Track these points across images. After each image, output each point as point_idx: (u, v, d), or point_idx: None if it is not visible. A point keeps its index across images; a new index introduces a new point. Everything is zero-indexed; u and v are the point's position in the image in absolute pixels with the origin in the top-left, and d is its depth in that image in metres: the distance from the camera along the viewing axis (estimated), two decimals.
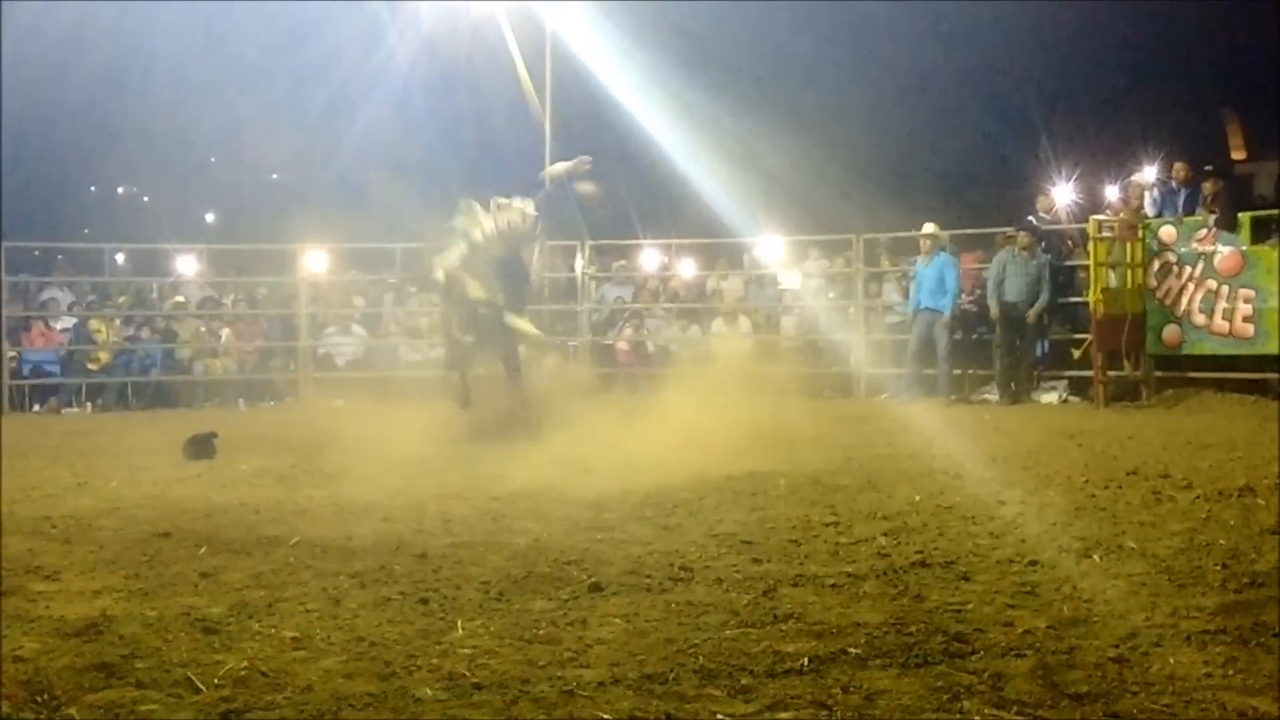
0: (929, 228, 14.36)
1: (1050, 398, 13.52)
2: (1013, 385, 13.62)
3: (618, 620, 4.37)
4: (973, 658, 3.87)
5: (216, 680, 3.70)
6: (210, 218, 39.49)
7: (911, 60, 28.22)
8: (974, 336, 14.56)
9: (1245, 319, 12.43)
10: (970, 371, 14.47)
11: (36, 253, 21.23)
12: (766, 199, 19.54)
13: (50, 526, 6.36)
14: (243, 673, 3.78)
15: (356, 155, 25.56)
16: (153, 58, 26.65)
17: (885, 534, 5.89)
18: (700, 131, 21.60)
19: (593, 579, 4.95)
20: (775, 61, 27.27)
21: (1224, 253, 12.55)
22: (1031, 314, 13.49)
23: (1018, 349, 13.68)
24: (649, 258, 18.09)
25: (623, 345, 16.71)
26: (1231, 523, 5.97)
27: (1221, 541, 5.52)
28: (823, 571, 5.10)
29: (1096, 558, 5.26)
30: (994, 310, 13.69)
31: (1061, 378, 13.80)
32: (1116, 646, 3.93)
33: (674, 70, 21.84)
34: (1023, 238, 13.75)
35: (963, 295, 14.50)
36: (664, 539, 5.87)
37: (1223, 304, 12.50)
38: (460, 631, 4.23)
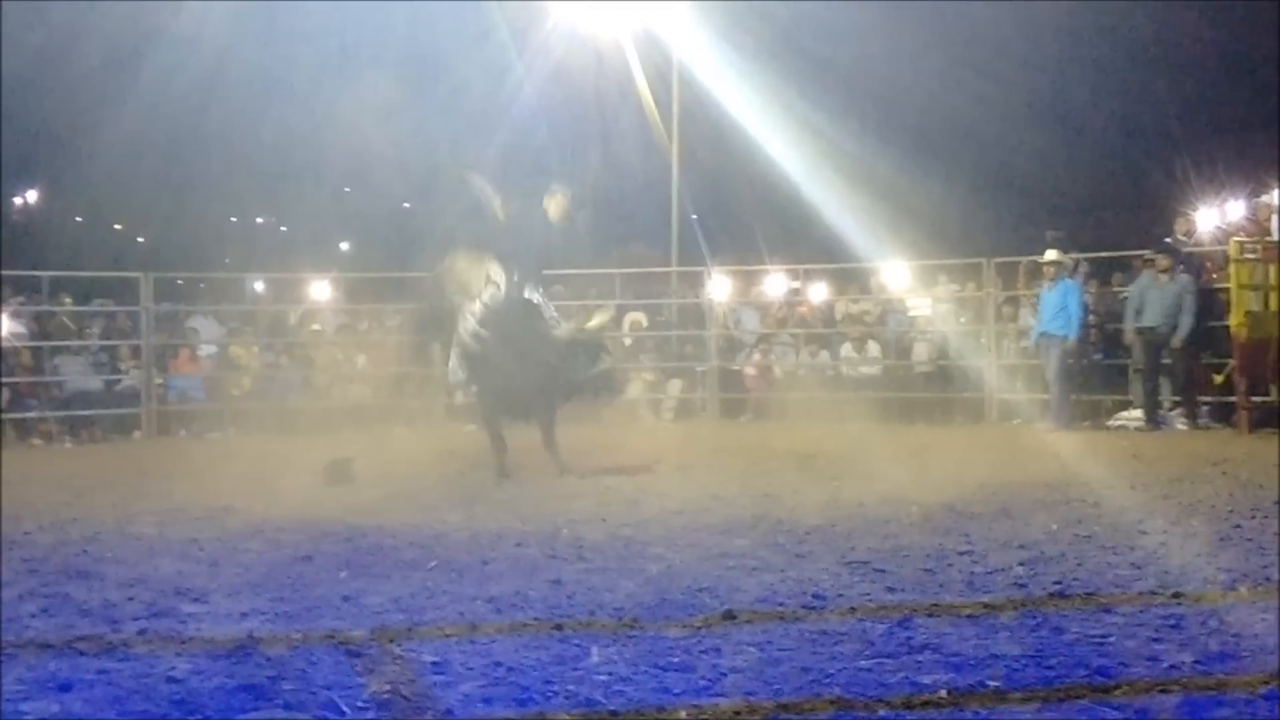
0: (1051, 254, 14.15)
1: (1181, 424, 13.22)
2: (1155, 411, 13.31)
3: (751, 648, 4.37)
4: (1116, 692, 3.78)
5: (360, 703, 3.78)
6: (345, 246, 40.42)
7: (1042, 81, 27.77)
8: (1106, 361, 14.30)
9: None
10: (1106, 398, 14.18)
11: (180, 282, 21.97)
12: (894, 223, 19.38)
13: (198, 549, 6.56)
14: (385, 695, 3.86)
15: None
16: (290, 92, 27.45)
17: (1022, 563, 5.79)
18: (825, 155, 21.56)
19: (725, 606, 4.96)
20: (902, 84, 27.05)
21: None
22: (1176, 340, 13.16)
23: (1159, 374, 13.38)
24: (775, 282, 18.07)
25: (750, 371, 16.69)
26: None
27: None
28: (958, 601, 5.03)
29: (1244, 590, 5.11)
30: (1128, 336, 13.43)
31: (1203, 403, 13.44)
32: (1268, 683, 3.82)
33: (799, 94, 21.83)
34: (1162, 260, 13.47)
35: (1090, 319, 14.24)
36: (796, 566, 5.84)
37: None
38: (595, 658, 4.27)
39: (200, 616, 4.97)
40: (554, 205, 9.79)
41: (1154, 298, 13.32)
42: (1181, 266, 13.60)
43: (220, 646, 4.45)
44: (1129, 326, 13.46)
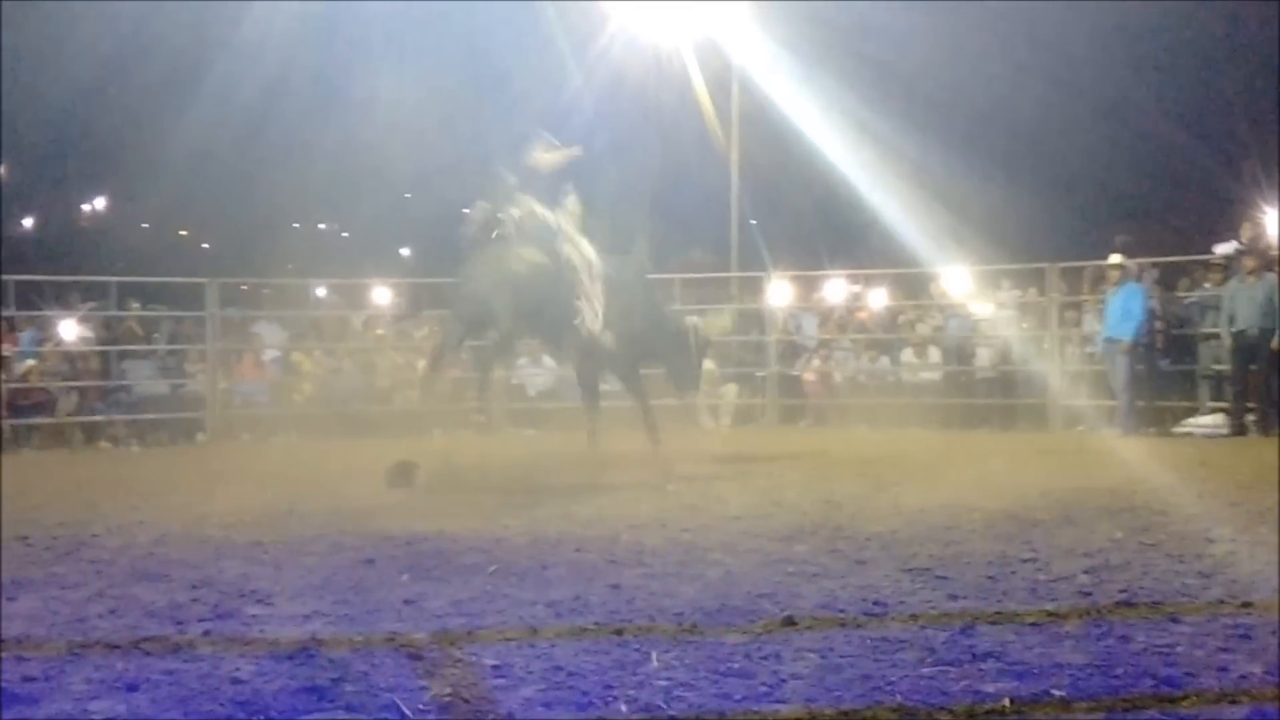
0: (1115, 257, 13.99)
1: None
2: (1242, 417, 13.12)
3: (812, 655, 4.35)
4: (1184, 703, 3.73)
5: (421, 705, 3.80)
6: (405, 252, 40.72)
7: (1106, 83, 27.45)
8: (1173, 367, 14.14)
9: None
10: (1173, 404, 14.01)
11: (244, 288, 22.22)
12: (955, 228, 19.25)
13: (263, 552, 6.63)
14: (446, 699, 3.88)
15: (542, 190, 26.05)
16: (351, 100, 27.72)
17: (1086, 571, 5.72)
18: (885, 160, 21.45)
19: (786, 612, 4.94)
20: (963, 88, 26.86)
21: None
22: (1276, 342, 12.92)
23: (1247, 379, 13.19)
24: (835, 288, 17.99)
25: (810, 377, 16.62)
26: None
27: None
28: (1022, 609, 4.98)
29: None
30: (1226, 341, 13.23)
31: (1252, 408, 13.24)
32: None
33: (858, 99, 21.73)
34: (1249, 261, 13.27)
35: (1156, 324, 14.08)
36: (857, 573, 5.81)
37: None
38: (655, 663, 4.26)
39: (264, 618, 5.02)
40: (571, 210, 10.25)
41: (1244, 299, 13.12)
42: (1269, 268, 13.39)
43: (284, 648, 4.49)
44: (1224, 330, 13.27)
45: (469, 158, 30.01)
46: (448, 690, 3.96)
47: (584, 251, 10.00)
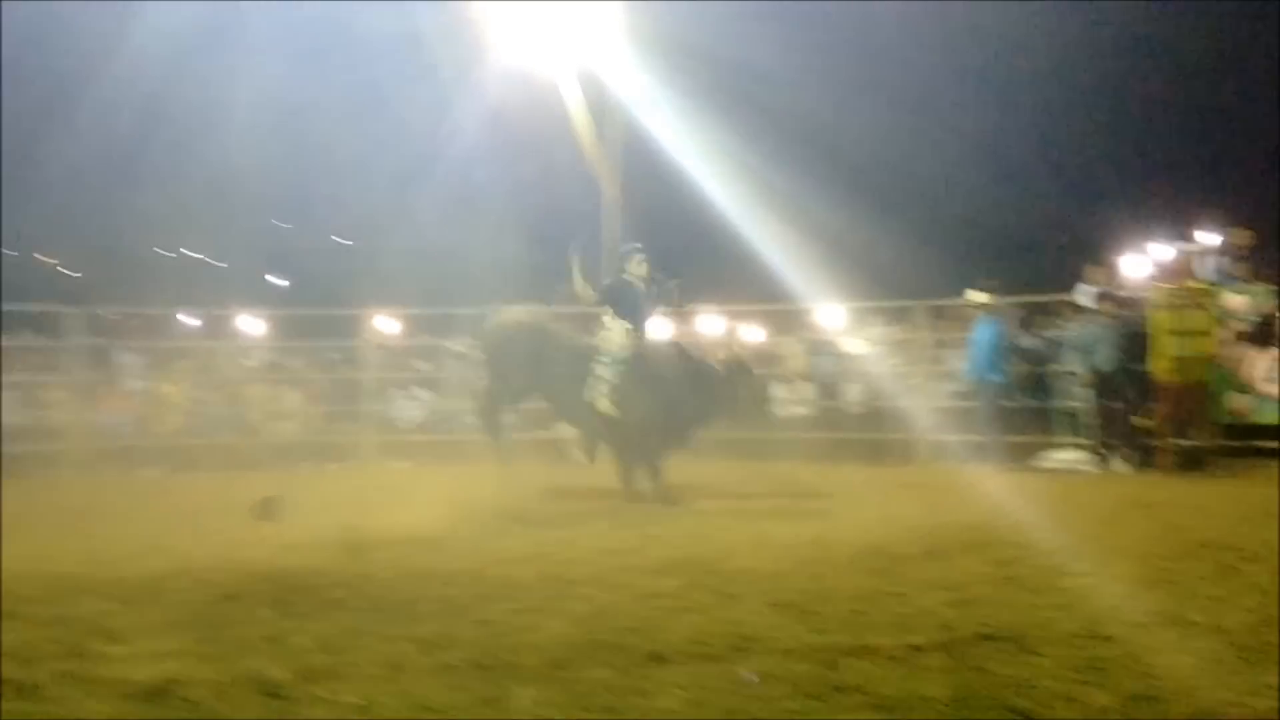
0: (979, 296, 14.37)
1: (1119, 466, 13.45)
2: (1102, 453, 13.53)
3: (678, 690, 4.36)
4: None
5: None
6: (281, 282, 40.09)
7: (976, 125, 28.20)
8: (1034, 404, 14.54)
9: None
10: (1033, 439, 14.37)
11: (110, 317, 21.64)
12: (829, 265, 19.54)
13: (121, 588, 6.44)
14: None
15: (423, 221, 25.91)
16: (226, 128, 27.26)
17: (948, 604, 5.83)
18: (762, 197, 21.70)
19: (653, 647, 4.95)
20: (839, 127, 27.35)
21: None
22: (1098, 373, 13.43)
23: (1104, 416, 13.62)
24: (708, 323, 18.11)
25: None
26: None
27: None
28: (885, 643, 5.06)
29: (1166, 632, 5.18)
30: (1091, 378, 13.61)
31: (1128, 446, 13.65)
32: None
33: (736, 135, 21.98)
34: (1105, 304, 13.73)
35: (1016, 361, 14.51)
36: (725, 607, 5.85)
37: None
38: (521, 699, 4.24)
39: (120, 658, 4.89)
40: (634, 266, 10.98)
41: (1101, 339, 13.54)
42: (1121, 307, 13.90)
43: (139, 688, 4.37)
44: (1082, 369, 13.66)
45: (345, 189, 29.74)
46: None
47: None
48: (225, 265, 37.26)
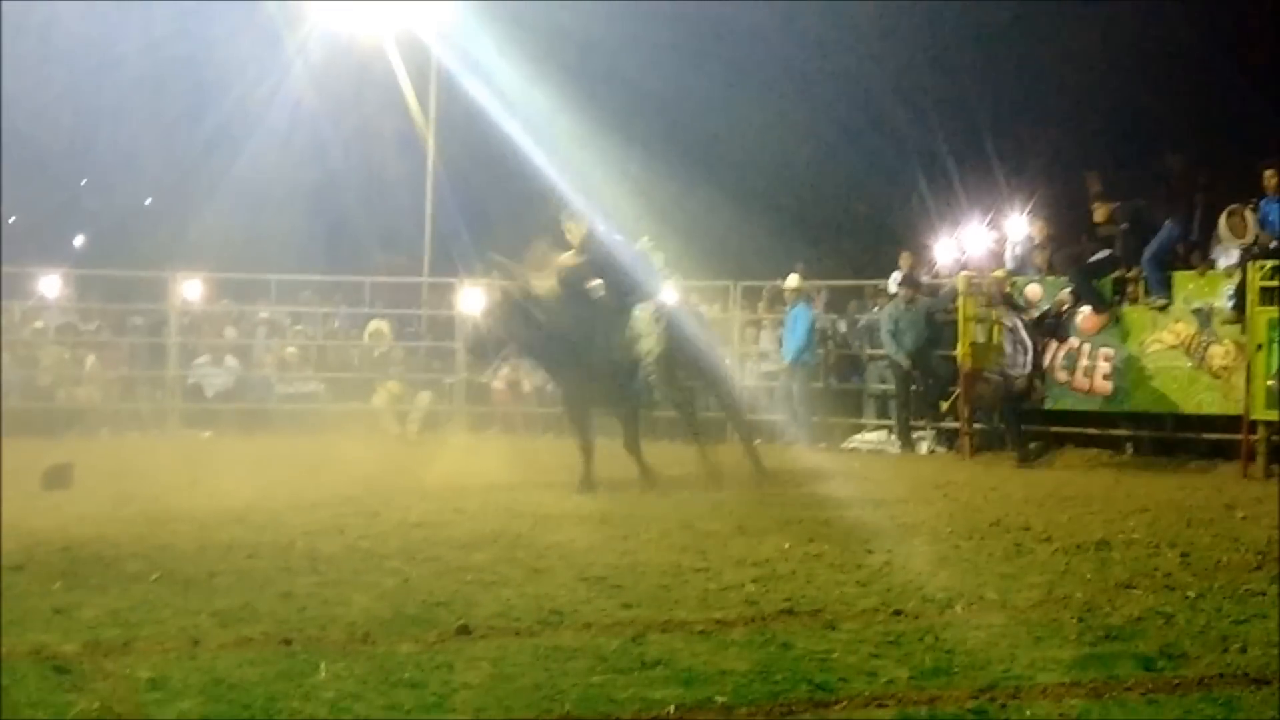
0: (792, 280, 14.64)
1: (922, 447, 13.89)
2: (908, 434, 13.93)
3: (485, 664, 4.34)
4: (836, 707, 3.92)
5: None
6: (79, 241, 38.46)
7: (794, 106, 28.60)
8: (841, 385, 14.93)
9: (1105, 376, 12.78)
10: (841, 420, 14.72)
11: None
12: (654, 238, 19.63)
13: None
14: (93, 714, 3.67)
15: (237, 185, 25.12)
16: (30, 80, 25.93)
17: (754, 581, 5.93)
18: (588, 169, 21.63)
19: (461, 621, 4.91)
20: (666, 100, 27.45)
21: (1084, 312, 12.90)
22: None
23: (913, 397, 14.03)
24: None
25: (499, 385, 16.61)
26: (1088, 576, 6.11)
27: (1078, 594, 5.65)
28: (692, 618, 5.12)
29: (959, 608, 5.36)
30: (904, 362, 13.93)
31: (930, 428, 14.10)
32: (975, 698, 4.01)
33: (563, 104, 21.80)
34: (904, 291, 14.13)
35: (828, 344, 14.88)
36: (534, 582, 5.84)
37: (1084, 361, 12.84)
38: (323, 674, 4.16)
39: None
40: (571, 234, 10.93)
41: (906, 324, 13.93)
42: (923, 293, 14.36)
43: None
44: (890, 352, 14.01)
45: (152, 149, 28.65)
46: (95, 705, 3.74)
47: None
48: (13, 220, 35.51)
